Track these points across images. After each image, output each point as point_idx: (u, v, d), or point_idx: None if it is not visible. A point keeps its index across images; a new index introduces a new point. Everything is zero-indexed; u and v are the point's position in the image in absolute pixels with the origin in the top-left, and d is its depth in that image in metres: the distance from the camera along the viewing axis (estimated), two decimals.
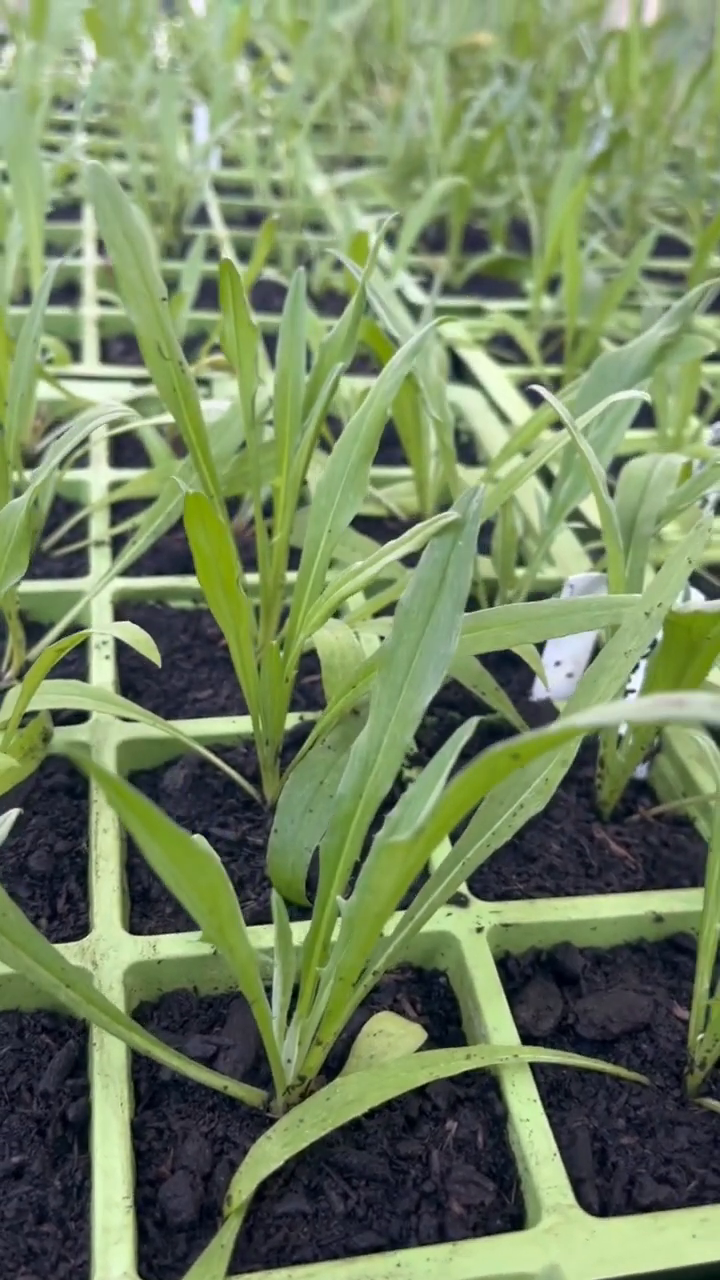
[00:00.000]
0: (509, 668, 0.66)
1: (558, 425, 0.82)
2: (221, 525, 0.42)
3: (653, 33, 1.82)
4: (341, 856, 0.41)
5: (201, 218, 1.35)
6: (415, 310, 1.13)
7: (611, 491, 0.59)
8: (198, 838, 0.35)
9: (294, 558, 0.59)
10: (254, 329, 0.53)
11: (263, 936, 0.47)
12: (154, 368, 0.53)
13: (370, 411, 0.50)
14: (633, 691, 0.57)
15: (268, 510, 0.74)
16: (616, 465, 0.77)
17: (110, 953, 0.46)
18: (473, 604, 0.69)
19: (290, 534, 0.60)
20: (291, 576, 0.59)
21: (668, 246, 1.41)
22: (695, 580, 0.78)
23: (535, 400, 0.96)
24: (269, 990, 0.43)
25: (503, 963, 0.49)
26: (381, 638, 0.61)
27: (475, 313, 1.16)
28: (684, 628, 0.45)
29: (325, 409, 0.54)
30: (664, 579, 0.43)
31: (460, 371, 1.06)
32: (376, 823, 0.39)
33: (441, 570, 0.39)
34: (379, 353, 0.72)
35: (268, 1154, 0.39)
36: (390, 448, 0.90)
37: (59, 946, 0.45)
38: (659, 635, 0.48)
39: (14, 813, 0.40)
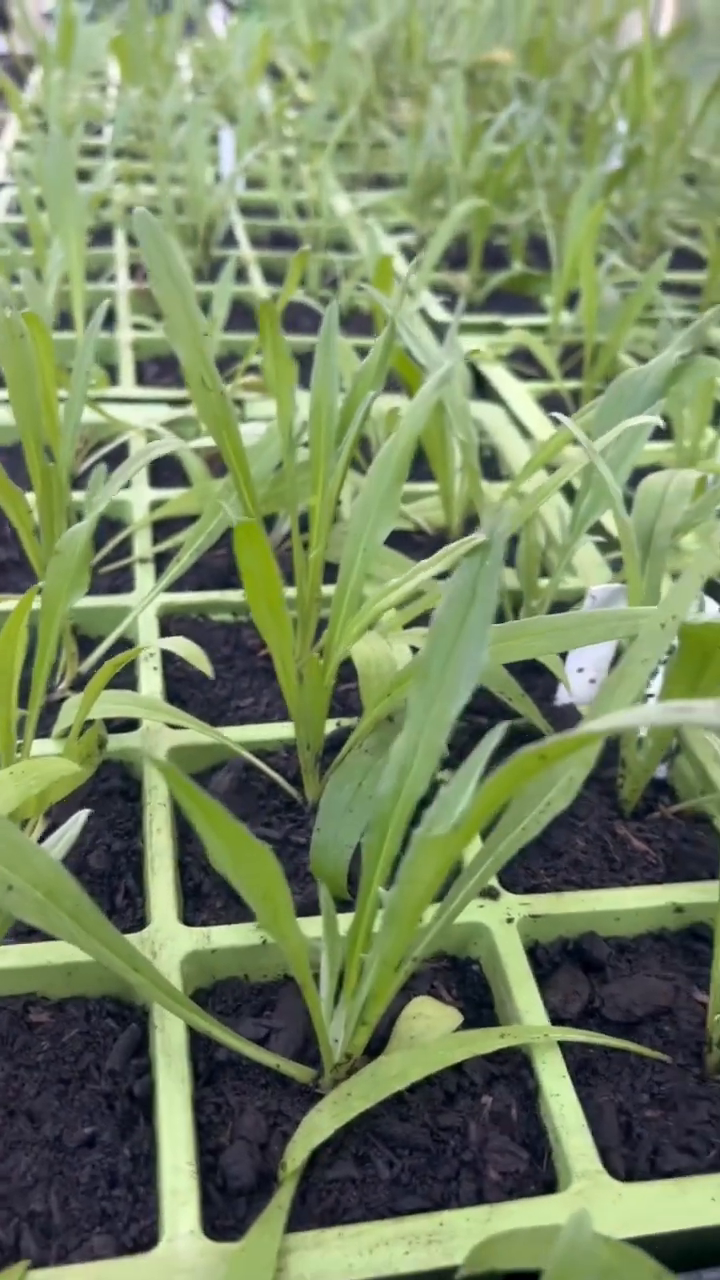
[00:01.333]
0: (533, 674, 0.69)
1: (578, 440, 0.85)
2: (268, 549, 0.46)
3: (667, 45, 1.85)
4: (382, 852, 0.44)
5: (229, 239, 1.39)
6: (438, 328, 1.17)
7: (630, 505, 0.63)
8: (265, 847, 0.38)
9: (328, 572, 0.62)
10: (291, 362, 0.56)
11: (306, 928, 0.51)
12: (197, 398, 0.57)
13: (402, 438, 0.54)
14: (652, 696, 0.60)
15: (303, 527, 0.78)
16: (636, 477, 0.80)
17: (168, 943, 0.50)
18: (499, 614, 0.72)
19: (325, 550, 0.63)
20: (326, 590, 0.63)
21: (684, 259, 1.44)
22: (712, 591, 0.81)
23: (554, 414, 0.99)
24: (316, 977, 0.47)
25: (532, 951, 0.53)
26: (414, 648, 0.65)
27: (496, 329, 1.19)
28: (697, 638, 0.48)
29: (358, 434, 0.58)
30: (678, 592, 0.46)
31: (482, 386, 1.09)
32: (414, 820, 0.43)
33: (472, 587, 0.42)
34: (406, 377, 0.76)
35: (318, 1125, 0.43)
36: (418, 464, 0.93)
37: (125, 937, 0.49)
38: (675, 644, 0.51)
39: (84, 814, 0.44)
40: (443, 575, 0.47)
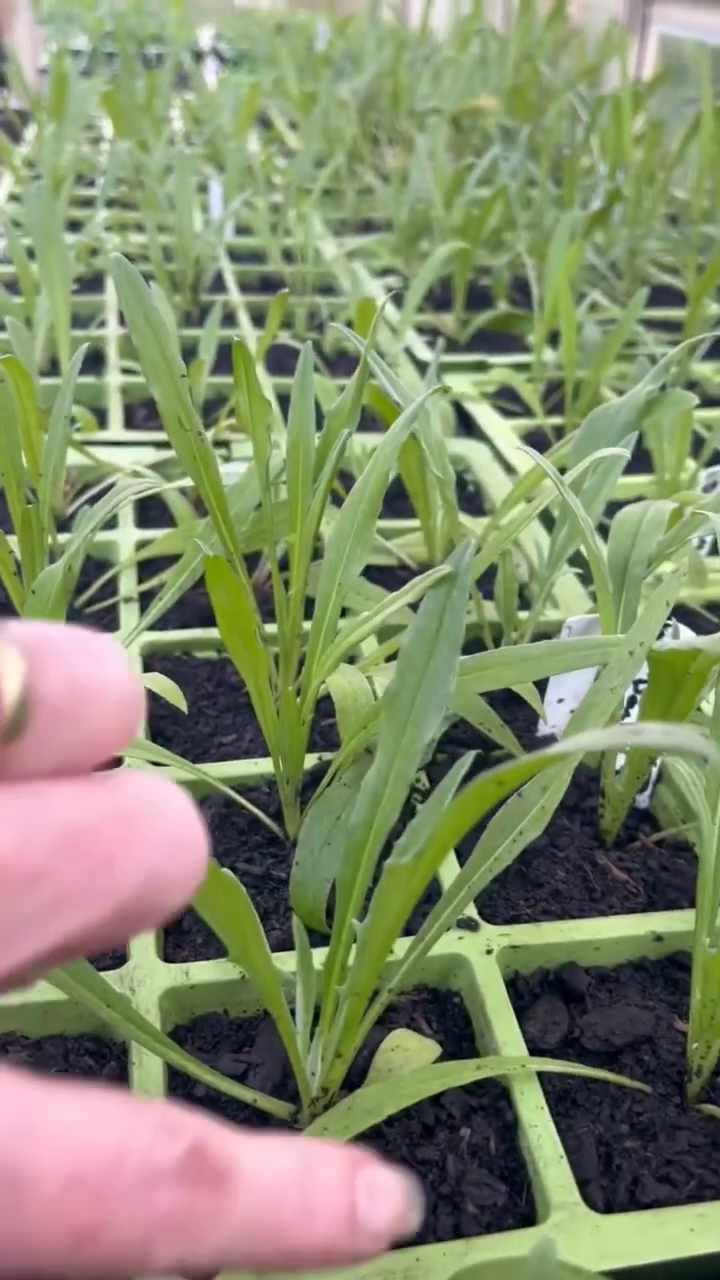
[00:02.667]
0: (515, 706, 0.70)
1: (561, 472, 0.86)
2: (240, 583, 0.47)
3: (649, 90, 1.89)
4: (356, 883, 0.44)
5: (218, 284, 1.42)
6: (422, 367, 1.18)
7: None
8: (233, 878, 0.38)
9: (311, 608, 0.63)
10: (265, 401, 0.57)
11: (288, 962, 0.51)
12: (175, 439, 0.58)
13: (374, 474, 0.55)
14: (629, 722, 0.60)
15: (285, 564, 0.79)
16: (617, 509, 0.81)
17: (146, 979, 0.50)
18: (479, 646, 0.73)
19: (305, 586, 0.64)
20: (308, 625, 0.63)
21: (667, 296, 1.46)
22: (695, 618, 0.81)
23: (538, 451, 1.00)
24: (295, 1011, 0.47)
25: (512, 983, 0.53)
26: None
27: (480, 368, 1.21)
28: (666, 665, 0.48)
29: (334, 470, 0.59)
30: (645, 620, 0.47)
31: (468, 424, 1.11)
32: (387, 850, 0.43)
33: (438, 619, 0.43)
34: (384, 414, 0.77)
35: None
36: (401, 500, 0.94)
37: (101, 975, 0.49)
38: (647, 672, 0.52)
39: None
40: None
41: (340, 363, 1.23)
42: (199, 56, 3.21)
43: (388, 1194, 0.22)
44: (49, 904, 0.20)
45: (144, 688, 0.67)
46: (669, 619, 0.72)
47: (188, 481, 0.80)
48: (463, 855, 0.57)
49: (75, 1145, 0.19)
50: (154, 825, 0.22)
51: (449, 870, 0.57)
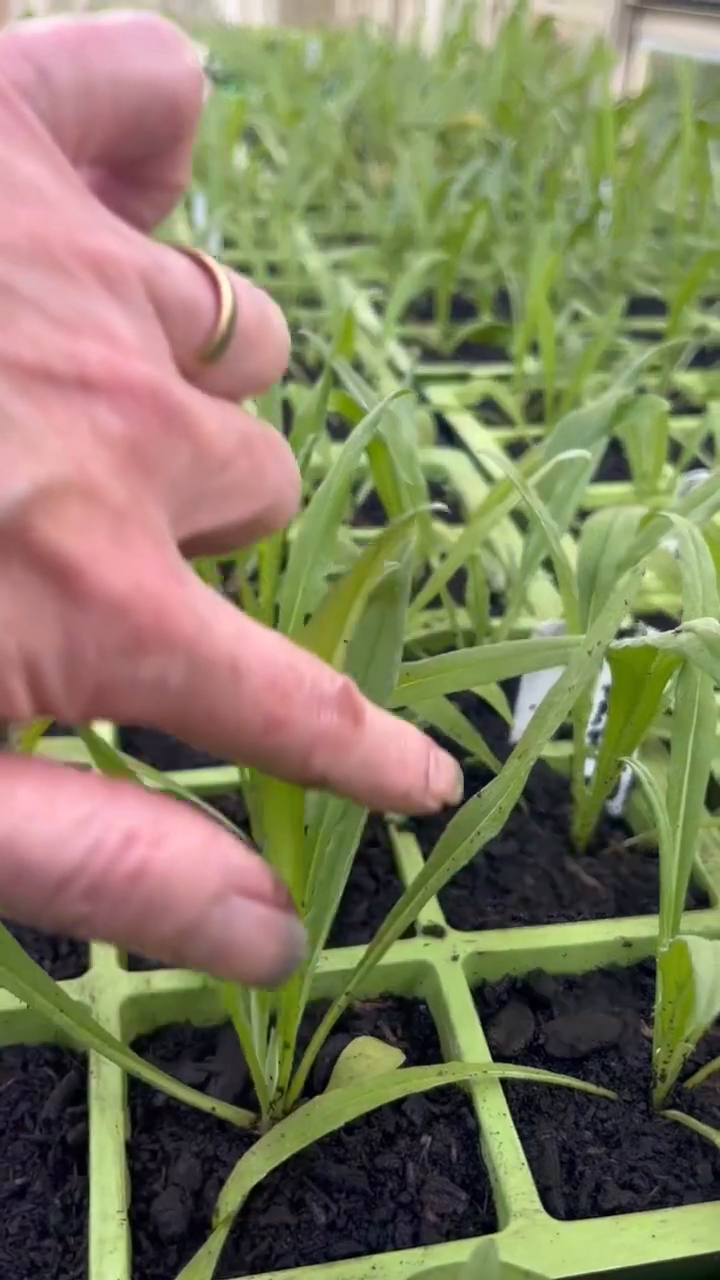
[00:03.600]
0: (488, 715, 0.69)
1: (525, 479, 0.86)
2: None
3: (636, 105, 1.90)
4: (309, 879, 0.44)
5: None
6: (404, 377, 1.18)
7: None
8: None
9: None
10: None
11: None
12: None
13: (336, 477, 0.55)
14: (598, 731, 0.60)
15: (257, 574, 0.79)
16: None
17: (107, 988, 0.50)
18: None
19: (275, 594, 0.64)
20: None
21: (652, 306, 1.46)
22: (671, 625, 0.81)
23: (518, 458, 1.00)
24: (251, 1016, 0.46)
25: (479, 990, 0.52)
26: None
27: (463, 379, 1.21)
28: (626, 665, 0.48)
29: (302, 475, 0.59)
30: (603, 620, 0.47)
31: (450, 435, 1.11)
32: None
33: (380, 616, 0.42)
34: (356, 422, 0.76)
35: (252, 1167, 0.42)
36: (378, 510, 0.94)
37: (60, 983, 0.49)
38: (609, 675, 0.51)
39: None
40: None
41: (321, 374, 1.23)
42: None
43: (449, 767, 0.30)
44: (227, 489, 0.25)
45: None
46: (636, 622, 0.72)
47: None
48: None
49: (273, 660, 0.25)
50: (284, 451, 0.27)
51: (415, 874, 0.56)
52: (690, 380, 1.21)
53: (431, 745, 0.30)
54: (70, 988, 0.49)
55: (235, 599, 0.79)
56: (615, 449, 1.07)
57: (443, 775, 0.30)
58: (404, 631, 0.39)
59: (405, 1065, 0.48)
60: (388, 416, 0.73)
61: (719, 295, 1.44)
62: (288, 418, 0.78)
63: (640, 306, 1.47)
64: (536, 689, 0.66)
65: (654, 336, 1.36)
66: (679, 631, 0.44)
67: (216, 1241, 0.41)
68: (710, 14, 2.45)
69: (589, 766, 0.60)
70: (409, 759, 0.28)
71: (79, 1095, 0.47)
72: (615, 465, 1.04)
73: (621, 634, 0.58)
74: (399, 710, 0.52)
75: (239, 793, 0.62)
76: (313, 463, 0.89)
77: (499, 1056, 0.49)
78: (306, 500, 0.85)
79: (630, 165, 1.43)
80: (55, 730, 0.67)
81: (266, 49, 3.10)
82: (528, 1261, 0.40)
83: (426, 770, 0.29)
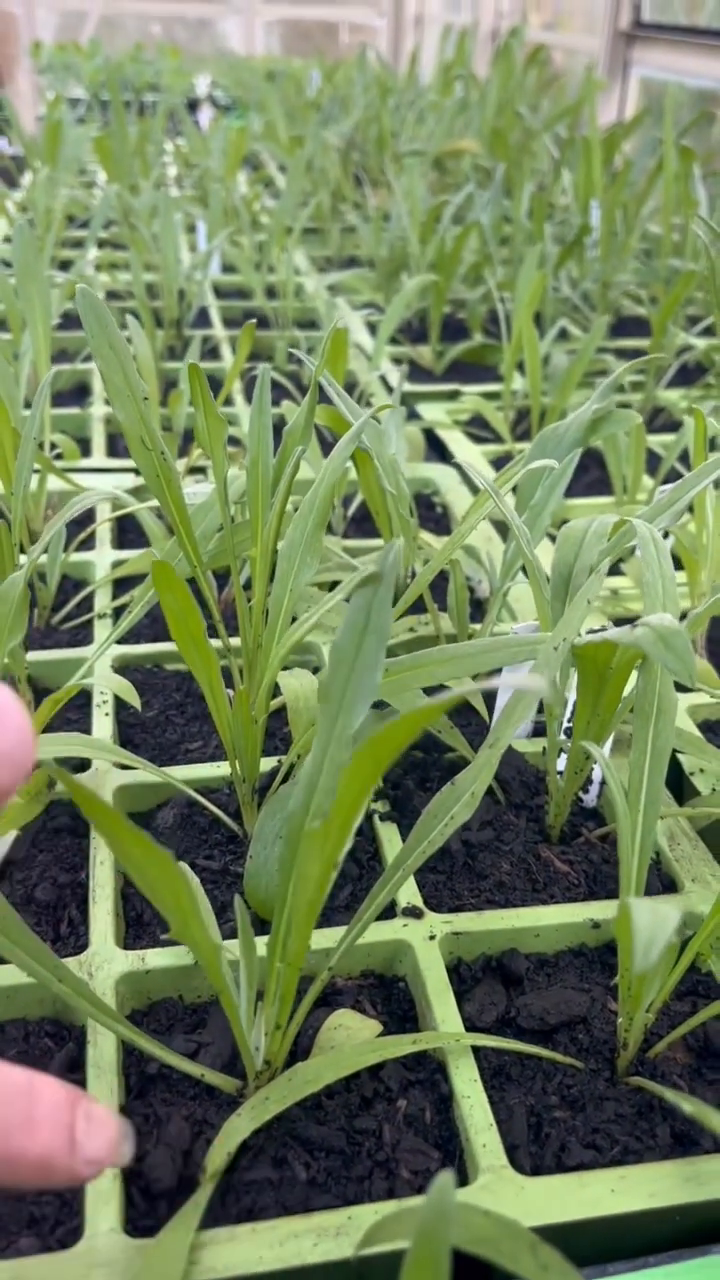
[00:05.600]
0: (469, 713, 0.73)
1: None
2: (184, 587, 0.50)
3: (626, 132, 1.95)
4: (295, 864, 0.47)
5: (203, 320, 1.46)
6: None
7: None
8: (168, 853, 0.41)
9: None
10: (221, 421, 0.61)
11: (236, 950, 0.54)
12: (139, 458, 0.61)
13: (322, 486, 0.58)
14: (570, 725, 0.63)
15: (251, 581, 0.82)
16: None
17: (104, 965, 0.53)
18: None
19: (266, 598, 0.67)
20: None
21: (638, 326, 1.50)
22: None
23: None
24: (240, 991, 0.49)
25: (455, 968, 0.55)
26: None
27: (453, 396, 1.25)
28: (590, 659, 0.51)
29: (289, 486, 0.62)
30: (569, 617, 0.50)
31: (442, 451, 1.14)
32: None
33: (365, 614, 0.46)
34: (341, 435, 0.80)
35: (237, 1127, 0.45)
36: (368, 523, 0.98)
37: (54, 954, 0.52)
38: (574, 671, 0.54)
39: (12, 834, 0.47)
40: None
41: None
42: (194, 104, 3.30)
43: (104, 1124, 0.25)
44: None
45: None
46: (605, 624, 0.75)
47: None
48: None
49: None
50: (11, 718, 0.25)
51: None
52: (673, 397, 1.24)
53: (81, 1099, 0.25)
54: (70, 965, 0.52)
55: (229, 605, 0.83)
56: (599, 464, 1.11)
57: (97, 1134, 0.25)
58: (389, 630, 0.42)
59: (382, 1037, 0.51)
60: (376, 431, 0.76)
61: (703, 315, 1.48)
62: (279, 434, 0.81)
63: (627, 327, 1.51)
64: (510, 691, 0.69)
65: (639, 355, 1.40)
66: (635, 626, 0.47)
67: (203, 1195, 0.44)
68: (701, 41, 2.51)
69: (562, 761, 0.63)
70: (41, 1114, 0.24)
71: (76, 1064, 0.50)
72: (598, 479, 1.08)
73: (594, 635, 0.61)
74: (377, 706, 0.55)
75: (231, 786, 0.65)
76: (302, 476, 0.93)
77: (472, 1028, 0.51)
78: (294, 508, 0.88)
79: (617, 189, 1.48)
80: (58, 725, 0.70)
81: (268, 78, 3.16)
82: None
83: (72, 1126, 0.25)
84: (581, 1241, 0.44)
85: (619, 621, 0.82)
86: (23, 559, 0.69)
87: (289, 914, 0.47)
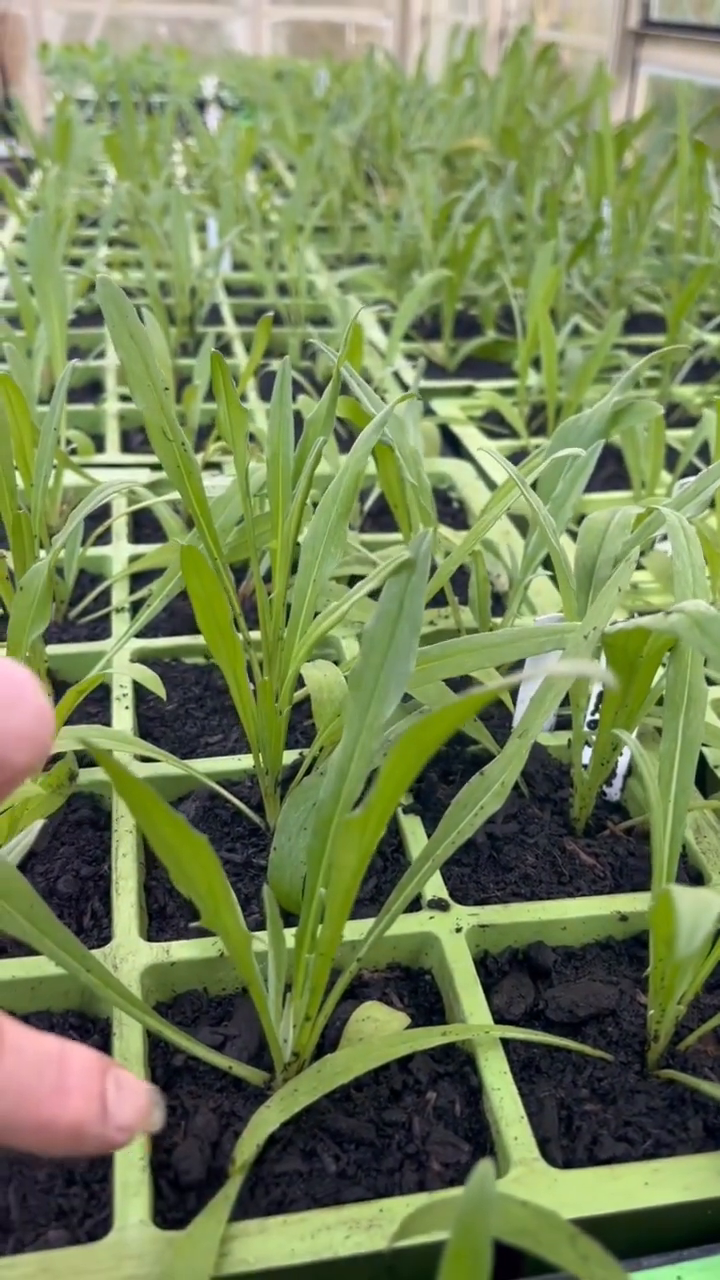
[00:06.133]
0: (492, 705, 0.72)
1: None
2: (214, 575, 0.49)
3: (636, 129, 1.94)
4: (324, 855, 0.47)
5: (215, 317, 1.46)
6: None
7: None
8: (203, 838, 0.41)
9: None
10: (243, 411, 0.60)
11: (264, 940, 0.53)
12: (159, 449, 0.61)
13: (345, 476, 0.58)
14: (596, 720, 0.63)
15: (271, 573, 0.82)
16: None
17: (129, 957, 0.53)
18: None
19: (286, 591, 0.67)
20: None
21: (651, 322, 1.50)
22: None
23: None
24: (268, 982, 0.49)
25: (482, 961, 0.55)
26: None
27: (468, 392, 1.25)
28: (620, 648, 0.51)
29: (311, 477, 0.62)
30: (598, 606, 0.50)
31: (457, 447, 1.14)
32: None
33: (399, 602, 0.45)
34: (361, 428, 0.80)
35: (266, 1119, 0.45)
36: (385, 516, 0.97)
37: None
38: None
39: (39, 823, 0.46)
40: None
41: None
42: (202, 104, 3.30)
43: (134, 1090, 0.25)
44: None
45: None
46: (634, 615, 0.75)
47: (178, 495, 0.83)
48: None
49: None
50: (26, 693, 0.25)
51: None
52: (688, 393, 1.24)
53: (112, 1065, 0.25)
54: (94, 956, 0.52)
55: (248, 598, 0.82)
56: (616, 459, 1.11)
57: (128, 1101, 0.25)
58: (422, 618, 0.42)
59: (410, 1029, 0.51)
60: (395, 423, 0.76)
61: (717, 311, 1.47)
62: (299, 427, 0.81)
63: (640, 323, 1.51)
64: (537, 682, 0.69)
65: (652, 351, 1.39)
66: (669, 613, 0.47)
67: (233, 1187, 0.43)
68: (711, 39, 2.50)
69: (586, 753, 0.63)
70: (72, 1081, 0.24)
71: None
72: (616, 474, 1.07)
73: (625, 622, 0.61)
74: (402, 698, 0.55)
75: (253, 778, 0.65)
76: (320, 469, 0.92)
77: (501, 1021, 0.51)
78: (315, 504, 0.88)
79: (629, 186, 1.47)
80: (77, 718, 0.70)
81: (276, 78, 3.16)
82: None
83: (103, 1094, 0.25)
84: (615, 1235, 0.43)
85: (639, 613, 0.81)
86: (42, 553, 0.69)
87: (319, 904, 0.46)
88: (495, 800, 0.49)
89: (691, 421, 1.19)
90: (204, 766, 0.65)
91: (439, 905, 0.56)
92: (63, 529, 0.61)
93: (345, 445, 1.07)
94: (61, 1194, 0.45)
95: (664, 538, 0.87)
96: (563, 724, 0.71)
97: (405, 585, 0.46)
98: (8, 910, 0.42)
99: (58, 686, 0.73)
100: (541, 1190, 0.43)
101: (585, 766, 0.62)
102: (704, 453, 1.08)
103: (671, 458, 1.07)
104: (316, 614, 0.60)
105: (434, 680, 0.53)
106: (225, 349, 1.34)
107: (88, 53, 3.76)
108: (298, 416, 0.95)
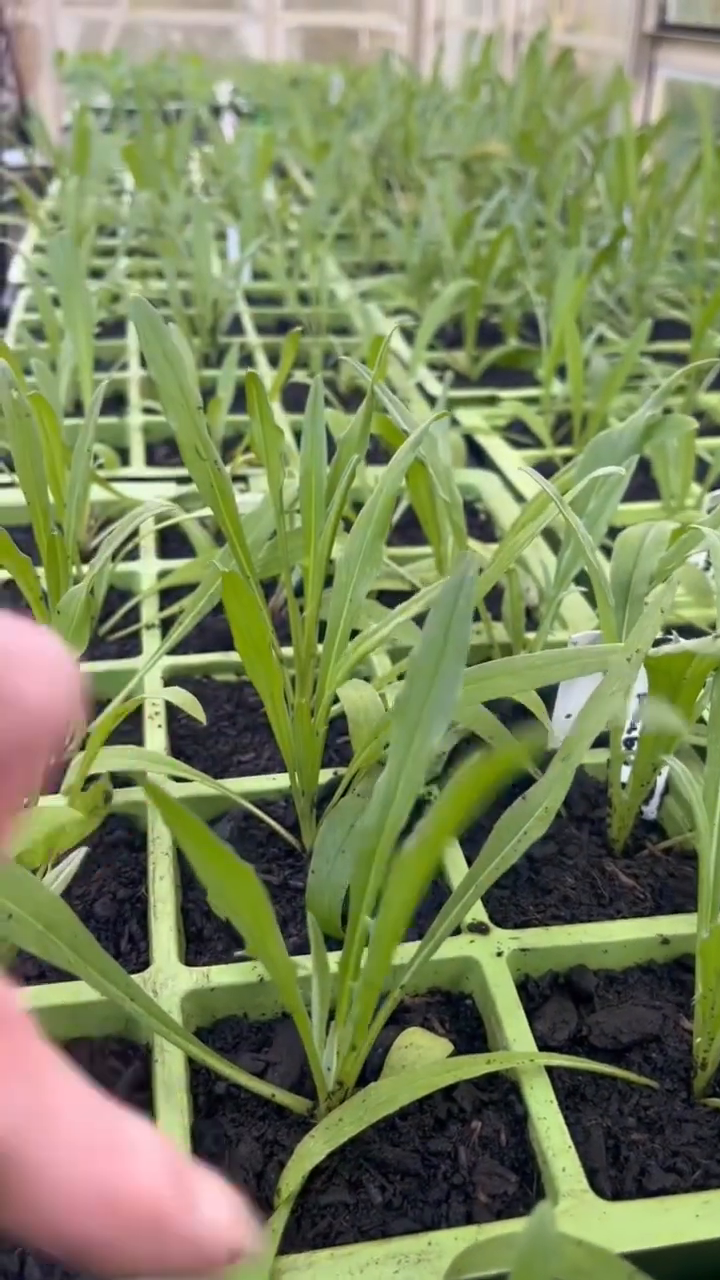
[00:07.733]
0: (526, 722, 0.72)
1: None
2: (253, 598, 0.49)
3: (655, 133, 1.94)
4: (368, 884, 0.46)
5: (236, 327, 1.46)
6: (435, 401, 1.21)
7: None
8: (249, 867, 0.40)
9: (325, 630, 0.65)
10: (278, 429, 0.60)
11: (305, 965, 0.53)
12: (193, 468, 0.61)
13: (381, 496, 0.57)
14: (633, 739, 0.62)
15: (301, 590, 0.81)
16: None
17: (169, 982, 0.52)
18: None
19: (319, 608, 0.66)
20: (322, 647, 0.66)
21: (674, 329, 1.49)
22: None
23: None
24: (311, 1010, 0.48)
25: (523, 985, 0.54)
26: None
27: (491, 402, 1.24)
28: (663, 671, 0.50)
29: (345, 495, 0.61)
30: (641, 627, 0.49)
31: (480, 457, 1.14)
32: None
33: (445, 629, 0.45)
34: (394, 445, 0.79)
35: (311, 1150, 0.44)
36: (414, 529, 0.97)
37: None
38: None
39: (82, 850, 0.46)
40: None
41: (354, 400, 1.26)
42: (217, 111, 3.30)
43: (219, 1186, 0.21)
44: None
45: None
46: (670, 632, 0.74)
47: (207, 512, 0.83)
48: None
49: None
50: (47, 658, 0.22)
51: (459, 876, 0.58)
52: (715, 401, 1.23)
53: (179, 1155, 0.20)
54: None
55: (278, 614, 0.82)
56: (643, 468, 1.10)
57: (215, 1189, 0.21)
58: (468, 646, 0.42)
59: (453, 1055, 0.50)
60: (425, 439, 0.75)
61: None
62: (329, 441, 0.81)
63: (663, 330, 1.50)
64: (572, 697, 0.68)
65: (677, 358, 1.39)
66: (718, 637, 0.46)
67: (279, 1220, 0.43)
68: None
69: (625, 772, 0.62)
70: (134, 1138, 0.20)
71: (143, 1084, 0.50)
72: (643, 484, 1.07)
73: (654, 644, 0.60)
74: None
75: (288, 799, 0.65)
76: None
77: (544, 1047, 0.51)
78: (349, 523, 0.88)
79: (651, 191, 1.47)
80: (110, 738, 0.69)
81: (291, 84, 3.16)
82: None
83: (178, 1168, 0.20)
84: (666, 1269, 0.43)
85: (673, 629, 0.81)
86: (78, 569, 0.69)
87: (363, 931, 0.46)
88: (539, 825, 0.48)
89: (718, 430, 1.18)
90: (238, 786, 0.65)
91: (479, 929, 0.55)
92: (98, 553, 0.61)
93: (370, 456, 1.07)
94: None
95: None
96: (600, 742, 0.70)
97: (451, 612, 0.46)
98: (53, 941, 0.42)
99: (91, 706, 0.73)
100: (592, 1223, 0.43)
101: (624, 786, 0.61)
102: None
103: (700, 468, 1.06)
104: (354, 633, 0.60)
105: (474, 703, 0.53)
106: (247, 359, 1.34)
107: (103, 61, 3.77)
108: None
